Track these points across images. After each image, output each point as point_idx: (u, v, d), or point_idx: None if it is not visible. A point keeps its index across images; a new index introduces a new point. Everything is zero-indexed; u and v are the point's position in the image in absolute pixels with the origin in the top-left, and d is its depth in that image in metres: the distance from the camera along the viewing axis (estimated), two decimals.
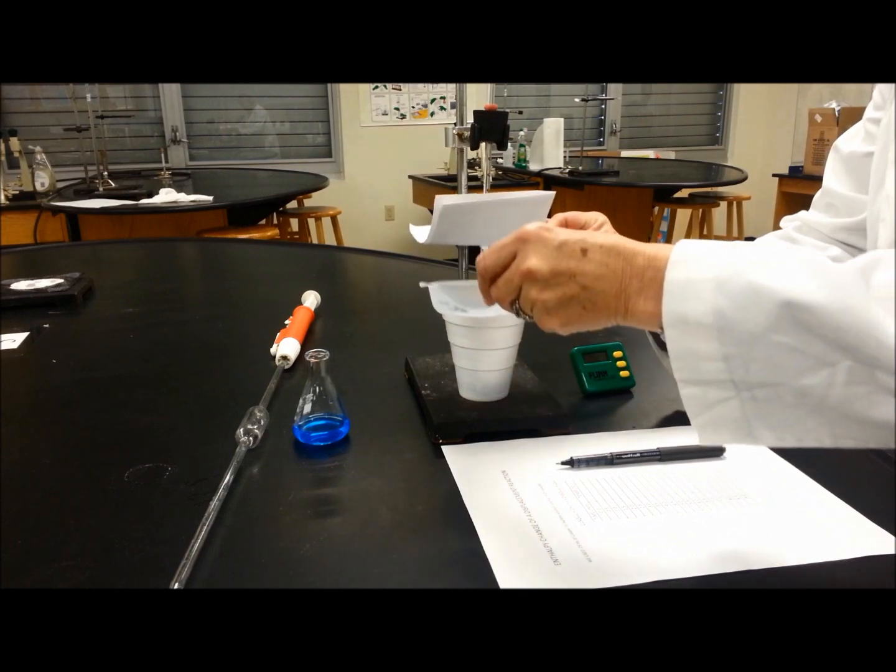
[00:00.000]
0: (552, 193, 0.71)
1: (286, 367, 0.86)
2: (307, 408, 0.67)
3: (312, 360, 0.67)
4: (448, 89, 5.03)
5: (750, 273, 0.43)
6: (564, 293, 0.49)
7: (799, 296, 0.41)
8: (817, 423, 0.43)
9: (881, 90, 0.70)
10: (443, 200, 0.61)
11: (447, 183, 3.92)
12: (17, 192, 3.28)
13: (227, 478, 0.59)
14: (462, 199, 0.64)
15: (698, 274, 0.45)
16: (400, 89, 4.96)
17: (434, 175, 4.29)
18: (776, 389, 0.43)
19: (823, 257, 0.44)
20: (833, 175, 0.77)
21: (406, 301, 1.26)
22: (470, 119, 0.69)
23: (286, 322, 0.98)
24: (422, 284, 0.66)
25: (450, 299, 0.66)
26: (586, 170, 3.78)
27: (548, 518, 0.56)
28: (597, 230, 0.71)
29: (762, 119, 5.73)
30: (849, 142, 0.76)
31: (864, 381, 0.40)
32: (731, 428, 0.45)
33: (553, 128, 4.01)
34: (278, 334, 0.93)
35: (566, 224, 0.72)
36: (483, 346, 0.68)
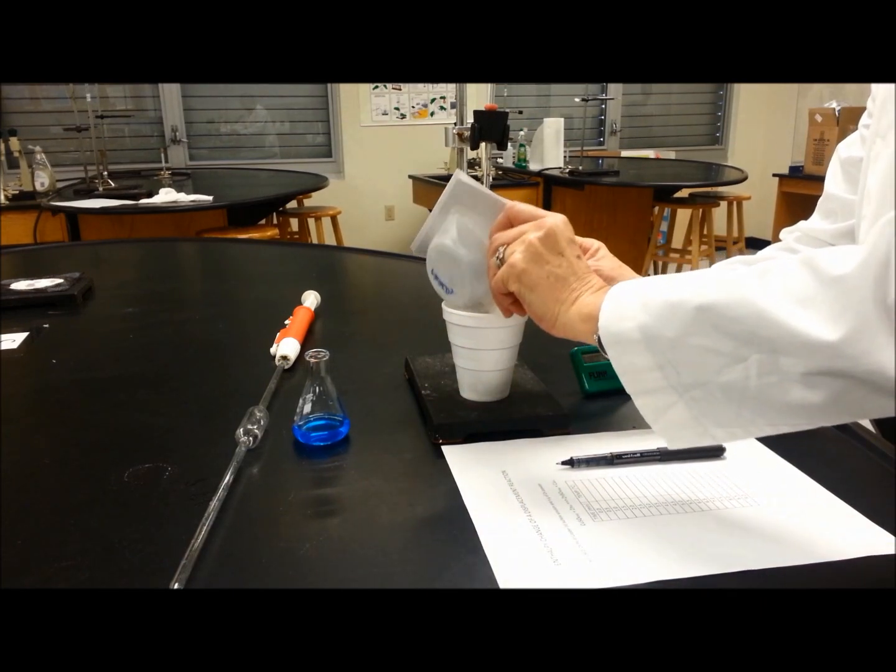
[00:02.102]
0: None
1: (286, 367, 0.86)
2: (307, 408, 0.67)
3: (312, 360, 0.67)
4: (448, 89, 5.03)
5: (667, 291, 0.50)
6: (538, 271, 0.58)
7: (702, 300, 0.47)
8: (751, 414, 0.47)
9: (874, 96, 0.71)
10: (460, 175, 0.66)
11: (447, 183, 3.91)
12: (17, 192, 3.28)
13: (227, 478, 0.59)
14: (478, 186, 0.66)
15: (627, 300, 0.52)
16: (400, 89, 4.96)
17: (434, 175, 4.29)
18: (706, 388, 0.48)
19: (744, 271, 0.48)
20: (832, 179, 0.78)
21: (406, 301, 1.26)
22: (470, 119, 0.69)
23: (286, 322, 0.98)
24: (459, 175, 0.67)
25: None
26: (586, 170, 3.78)
27: (548, 518, 0.56)
28: (594, 254, 0.75)
29: (762, 119, 5.73)
30: (847, 147, 0.77)
31: (773, 371, 0.44)
32: (686, 429, 0.50)
33: (553, 128, 4.01)
34: (278, 334, 0.93)
35: None
36: (483, 346, 0.68)
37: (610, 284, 0.59)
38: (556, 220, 0.59)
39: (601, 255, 0.74)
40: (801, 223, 0.82)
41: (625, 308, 0.51)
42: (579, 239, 0.76)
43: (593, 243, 0.76)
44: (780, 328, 0.44)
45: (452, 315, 0.68)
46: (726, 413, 0.48)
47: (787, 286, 0.45)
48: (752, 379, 0.45)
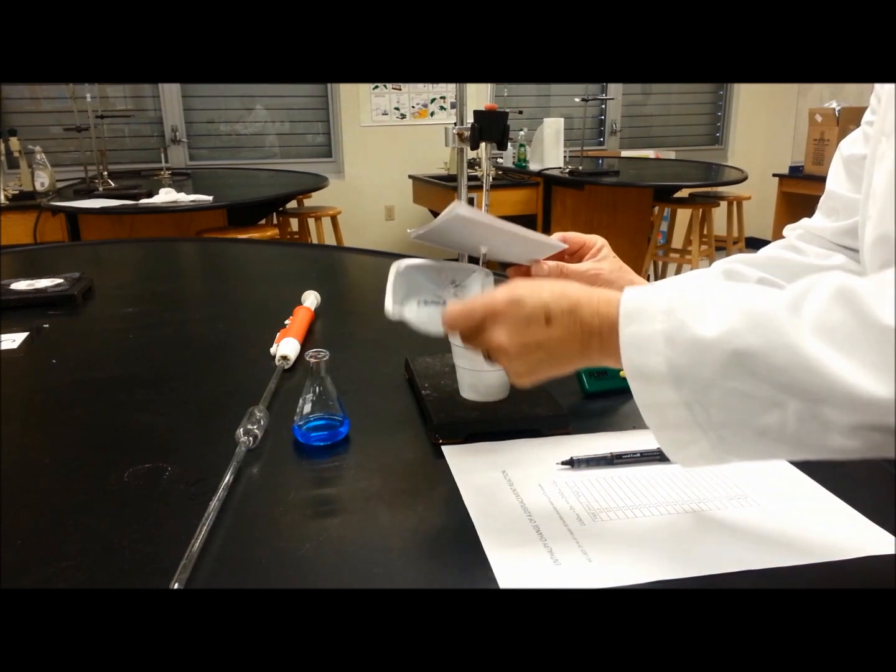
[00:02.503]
0: (563, 246, 0.72)
1: (286, 367, 0.86)
2: (307, 408, 0.67)
3: (312, 360, 0.67)
4: (448, 89, 5.03)
5: (692, 326, 0.46)
6: (532, 360, 0.53)
7: (738, 345, 0.44)
8: (781, 450, 0.46)
9: (878, 94, 0.70)
10: (459, 209, 0.61)
11: (447, 183, 3.91)
12: (17, 192, 3.28)
13: (227, 478, 0.59)
14: (477, 214, 0.64)
15: (649, 328, 0.48)
16: (400, 89, 4.96)
17: (434, 175, 4.29)
18: (738, 429, 0.46)
19: (762, 295, 0.46)
20: (835, 177, 0.77)
21: None
22: (470, 119, 0.69)
23: (286, 322, 0.98)
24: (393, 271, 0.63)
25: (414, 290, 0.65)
26: (586, 170, 3.77)
27: (548, 518, 0.56)
28: (596, 254, 0.74)
29: (762, 119, 5.73)
30: (850, 145, 0.76)
31: (814, 419, 0.42)
32: (705, 459, 0.49)
33: (553, 128, 4.00)
34: (278, 334, 0.93)
35: (564, 241, 0.74)
36: None
37: (609, 288, 0.57)
38: (501, 298, 0.53)
39: (603, 255, 0.74)
40: (804, 220, 0.82)
41: (645, 342, 0.48)
42: (580, 236, 0.76)
43: (596, 240, 0.75)
44: (824, 379, 0.41)
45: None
46: (754, 450, 0.47)
47: (828, 328, 0.42)
48: (790, 425, 0.43)
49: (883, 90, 0.68)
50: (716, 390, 0.45)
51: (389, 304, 0.56)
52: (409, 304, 0.61)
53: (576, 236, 0.76)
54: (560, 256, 0.75)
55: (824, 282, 0.44)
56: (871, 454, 0.43)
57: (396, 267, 0.61)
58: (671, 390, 0.47)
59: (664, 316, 0.48)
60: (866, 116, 0.73)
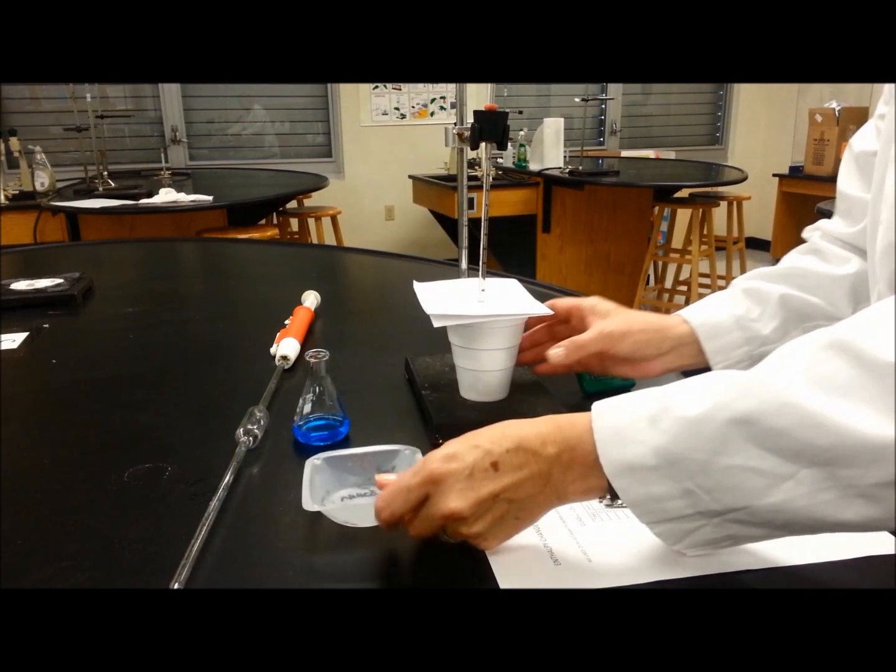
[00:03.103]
0: (550, 312, 0.70)
1: (286, 367, 0.86)
2: (307, 408, 0.67)
3: (312, 360, 0.67)
4: (448, 89, 5.03)
5: (675, 406, 0.42)
6: (494, 516, 0.47)
7: (731, 414, 0.40)
8: (794, 528, 0.42)
9: (890, 84, 0.66)
10: (435, 321, 0.64)
11: (447, 183, 3.91)
12: (17, 192, 3.28)
13: (227, 478, 0.59)
14: (453, 314, 0.65)
15: (627, 417, 0.44)
16: (400, 89, 4.96)
17: (434, 175, 4.29)
18: (744, 512, 0.42)
19: (761, 364, 0.42)
20: (845, 177, 0.73)
21: (406, 301, 1.25)
22: (470, 119, 0.69)
23: (286, 322, 0.98)
24: None
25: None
26: (586, 170, 3.77)
27: (548, 518, 0.56)
28: (604, 316, 0.70)
29: (762, 119, 5.73)
30: (860, 140, 0.72)
31: (828, 486, 0.39)
32: (712, 545, 0.45)
33: (553, 128, 4.00)
34: (278, 334, 0.93)
35: (552, 307, 0.71)
36: (483, 346, 0.68)
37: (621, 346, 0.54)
38: (435, 459, 0.47)
39: (593, 307, 0.71)
40: (822, 222, 0.78)
41: (625, 429, 0.44)
42: (568, 303, 0.72)
43: (596, 304, 0.71)
44: (835, 433, 0.37)
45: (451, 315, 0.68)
46: (763, 532, 0.43)
47: (826, 378, 0.38)
48: (804, 498, 0.39)
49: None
50: (714, 471, 0.41)
51: (307, 502, 0.51)
52: (332, 498, 0.57)
53: (562, 305, 0.73)
54: (550, 326, 0.74)
55: (809, 338, 0.41)
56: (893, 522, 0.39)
57: (311, 463, 0.57)
58: (665, 480, 0.42)
59: (641, 403, 0.44)
60: (879, 108, 0.69)
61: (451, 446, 0.48)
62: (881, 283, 0.59)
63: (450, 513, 0.46)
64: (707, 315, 0.72)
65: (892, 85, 0.66)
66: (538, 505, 0.48)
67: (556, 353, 0.68)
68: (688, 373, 0.73)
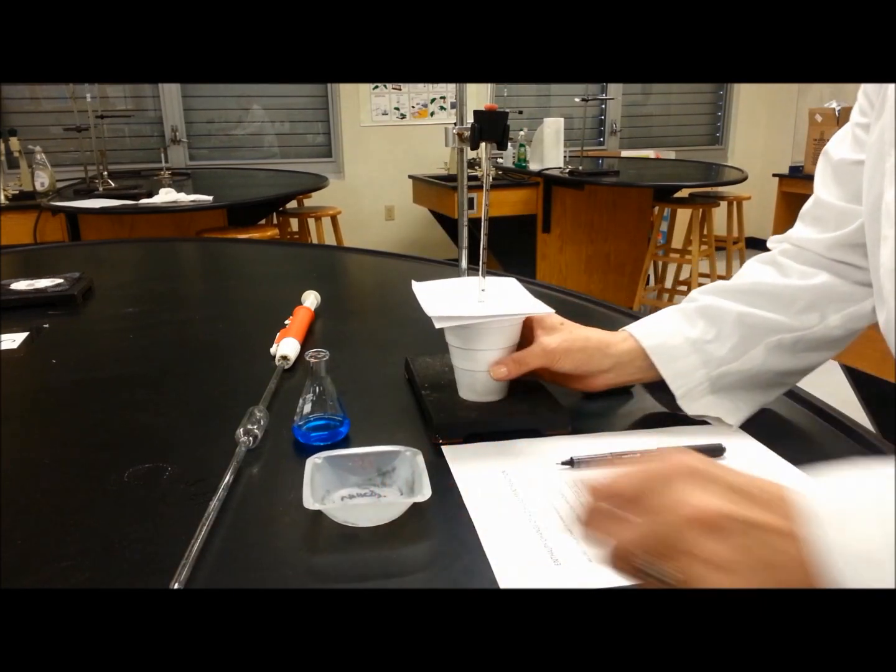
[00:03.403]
0: (550, 311, 0.70)
1: (286, 367, 0.86)
2: (307, 408, 0.67)
3: (312, 360, 0.67)
4: (448, 89, 5.03)
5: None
6: (748, 542, 0.37)
7: None
8: None
9: (867, 93, 0.65)
10: (436, 323, 0.64)
11: (447, 183, 3.91)
12: (17, 192, 3.28)
13: (227, 478, 0.59)
14: (454, 315, 0.65)
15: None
16: (400, 89, 4.96)
17: (434, 175, 4.29)
18: None
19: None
20: (823, 184, 0.71)
21: (406, 301, 1.25)
22: (470, 119, 0.69)
23: (286, 322, 0.98)
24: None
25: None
26: (586, 170, 3.77)
27: (548, 518, 0.56)
28: (546, 324, 0.70)
29: (762, 119, 5.73)
30: (838, 147, 0.70)
31: None
32: None
33: (553, 128, 4.00)
34: (278, 334, 0.93)
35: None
36: (481, 346, 0.68)
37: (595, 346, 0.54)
38: (680, 461, 0.39)
39: (552, 326, 0.70)
40: (792, 232, 0.75)
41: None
42: (541, 321, 0.71)
43: (544, 318, 0.70)
44: None
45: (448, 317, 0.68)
46: None
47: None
48: None
49: (877, 93, 0.62)
50: None
51: (308, 501, 0.52)
52: (332, 498, 0.57)
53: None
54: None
55: None
56: None
57: (312, 462, 0.57)
58: None
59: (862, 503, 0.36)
60: (854, 117, 0.67)
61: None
62: (886, 298, 0.57)
63: (697, 510, 0.36)
64: (662, 338, 0.72)
65: (868, 92, 0.65)
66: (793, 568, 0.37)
67: (499, 370, 0.68)
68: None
